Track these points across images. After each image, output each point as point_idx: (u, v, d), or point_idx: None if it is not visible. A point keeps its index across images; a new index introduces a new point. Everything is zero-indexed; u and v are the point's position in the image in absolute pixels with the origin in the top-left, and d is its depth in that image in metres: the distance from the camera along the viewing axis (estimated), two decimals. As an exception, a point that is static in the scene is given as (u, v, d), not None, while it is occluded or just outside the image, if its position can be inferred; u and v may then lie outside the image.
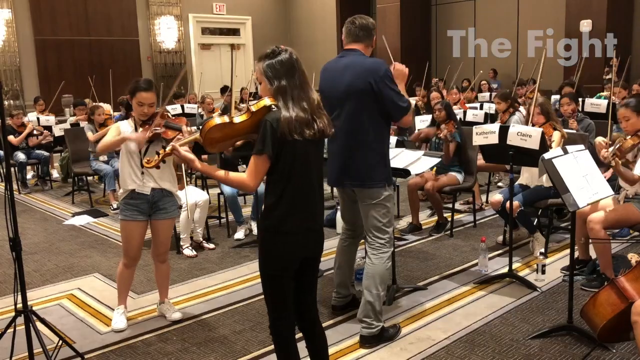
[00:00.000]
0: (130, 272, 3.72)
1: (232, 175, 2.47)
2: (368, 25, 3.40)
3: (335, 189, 6.91)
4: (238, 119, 2.41)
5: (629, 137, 3.95)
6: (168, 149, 2.70)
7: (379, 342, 3.38)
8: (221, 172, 2.49)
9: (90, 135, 6.93)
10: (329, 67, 3.50)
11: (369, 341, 3.37)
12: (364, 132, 3.31)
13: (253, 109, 2.39)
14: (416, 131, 6.41)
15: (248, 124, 2.40)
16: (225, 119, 2.42)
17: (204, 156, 6.51)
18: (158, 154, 2.90)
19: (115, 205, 6.64)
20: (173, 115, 4.08)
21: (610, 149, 3.78)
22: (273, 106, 2.37)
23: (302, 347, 2.62)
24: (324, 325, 3.52)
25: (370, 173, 3.33)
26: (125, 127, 3.56)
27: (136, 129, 3.53)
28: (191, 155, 2.54)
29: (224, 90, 10.10)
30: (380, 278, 3.38)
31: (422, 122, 6.70)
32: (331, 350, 3.24)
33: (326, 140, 3.47)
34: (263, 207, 2.48)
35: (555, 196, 4.67)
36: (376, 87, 3.23)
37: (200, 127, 2.57)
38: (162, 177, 3.55)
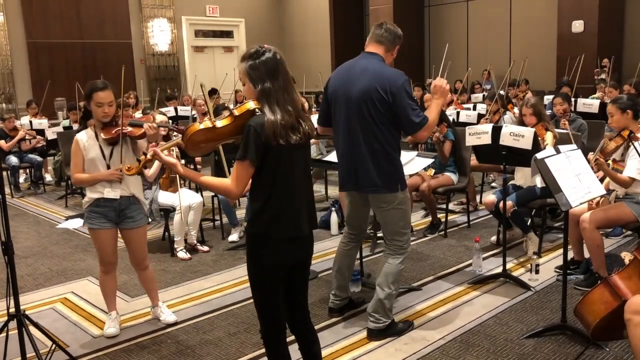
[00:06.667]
0: (110, 277, 3.68)
1: (216, 181, 2.41)
2: (395, 32, 3.36)
3: (330, 191, 6.92)
4: (220, 123, 2.34)
5: (613, 138, 4.01)
6: (149, 154, 2.64)
7: (385, 336, 3.47)
8: (205, 178, 2.43)
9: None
10: (345, 67, 3.44)
11: (376, 334, 3.48)
12: (378, 138, 3.26)
13: (236, 112, 2.33)
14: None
15: (231, 128, 2.34)
16: (208, 124, 2.36)
17: (198, 158, 6.51)
18: (139, 160, 2.83)
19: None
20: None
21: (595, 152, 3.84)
22: (257, 110, 2.30)
23: (293, 349, 2.60)
24: (319, 326, 3.55)
25: (384, 178, 3.31)
26: (83, 137, 3.46)
27: (96, 136, 3.46)
28: (173, 160, 2.49)
29: (212, 93, 10.08)
30: (393, 277, 3.46)
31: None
32: (327, 352, 3.25)
33: (337, 145, 3.43)
34: (250, 212, 2.42)
35: (543, 197, 4.69)
36: (391, 97, 3.18)
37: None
38: (132, 184, 3.52)
